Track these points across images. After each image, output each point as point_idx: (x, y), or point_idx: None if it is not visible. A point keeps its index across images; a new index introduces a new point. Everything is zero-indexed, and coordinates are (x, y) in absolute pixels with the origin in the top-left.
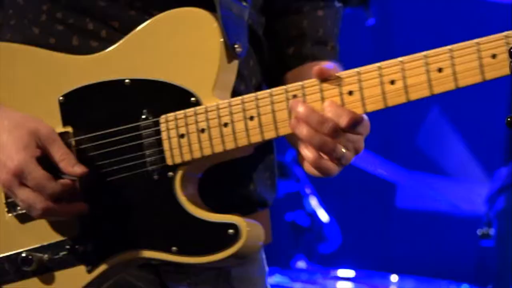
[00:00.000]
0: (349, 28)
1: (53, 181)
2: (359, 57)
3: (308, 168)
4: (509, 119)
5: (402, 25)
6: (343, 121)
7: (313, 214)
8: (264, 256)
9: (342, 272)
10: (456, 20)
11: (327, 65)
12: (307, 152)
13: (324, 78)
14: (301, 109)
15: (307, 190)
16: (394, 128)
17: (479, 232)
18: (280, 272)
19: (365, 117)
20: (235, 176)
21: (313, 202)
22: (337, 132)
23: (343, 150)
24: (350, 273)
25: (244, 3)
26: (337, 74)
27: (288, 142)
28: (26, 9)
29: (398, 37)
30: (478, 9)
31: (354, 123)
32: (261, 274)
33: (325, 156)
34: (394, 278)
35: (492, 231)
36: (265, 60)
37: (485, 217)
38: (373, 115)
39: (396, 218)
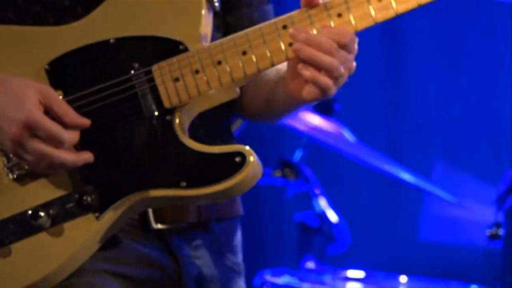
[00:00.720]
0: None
1: (64, 130)
2: (368, 56)
3: (307, 91)
4: None
5: (412, 22)
6: (344, 39)
7: (323, 215)
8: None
9: (351, 273)
10: (463, 17)
11: None
12: (307, 72)
13: (312, 5)
14: (303, 34)
15: (317, 191)
16: (403, 128)
17: (487, 232)
18: (289, 272)
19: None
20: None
21: (323, 202)
22: (337, 50)
23: (341, 67)
24: (360, 273)
25: None
26: (322, 2)
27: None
28: None
29: (407, 35)
30: (487, 8)
31: (351, 42)
32: (239, 242)
33: (323, 74)
34: (403, 279)
35: (501, 231)
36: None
37: (494, 217)
38: (384, 117)
39: (405, 219)
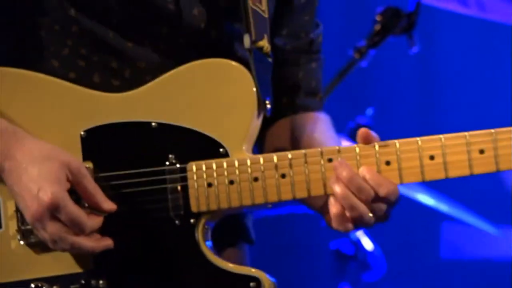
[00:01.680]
0: (392, 57)
1: (86, 217)
2: (403, 85)
3: (328, 219)
4: None
5: (447, 52)
6: (382, 191)
7: (358, 243)
8: None
9: None
10: (500, 47)
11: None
12: (333, 208)
13: (367, 142)
14: (345, 171)
15: None
16: None
17: None
18: None
19: (397, 188)
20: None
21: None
22: (374, 201)
23: (370, 215)
24: None
25: (269, 59)
26: (376, 142)
27: (303, 203)
28: (48, 41)
29: (443, 65)
30: None
31: (392, 194)
32: None
33: (349, 216)
34: None
35: None
36: None
37: None
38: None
39: (443, 248)
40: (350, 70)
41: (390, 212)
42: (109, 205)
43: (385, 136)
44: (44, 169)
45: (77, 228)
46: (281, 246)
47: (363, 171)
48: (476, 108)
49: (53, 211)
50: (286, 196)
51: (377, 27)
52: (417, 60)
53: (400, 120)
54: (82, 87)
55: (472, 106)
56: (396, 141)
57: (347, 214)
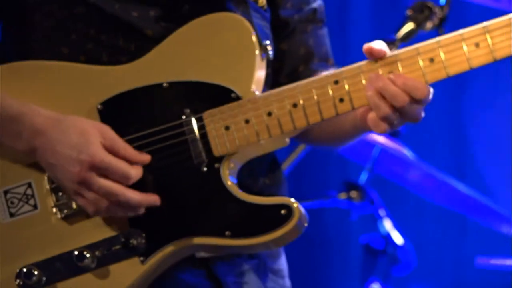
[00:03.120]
0: None
1: (130, 166)
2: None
3: (376, 125)
4: None
5: None
6: (420, 94)
7: (388, 237)
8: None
9: None
10: None
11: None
12: (370, 115)
13: (376, 56)
14: (380, 81)
15: (382, 213)
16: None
17: None
18: None
19: (429, 88)
20: (260, 169)
21: (388, 224)
22: (409, 105)
23: (402, 118)
24: None
25: (266, 13)
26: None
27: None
28: (55, 29)
29: None
30: None
31: (427, 95)
32: (285, 266)
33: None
34: None
35: None
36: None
37: None
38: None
39: (471, 242)
40: None
41: (422, 111)
42: (143, 157)
43: (415, 129)
44: (77, 136)
45: (123, 178)
46: (311, 241)
47: (394, 77)
48: (506, 102)
49: (98, 168)
50: (300, 123)
51: (408, 21)
52: None
53: (428, 113)
54: (91, 65)
55: (502, 101)
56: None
57: (384, 117)
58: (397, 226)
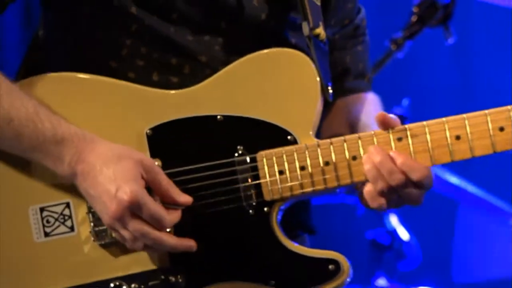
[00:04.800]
0: (428, 48)
1: (166, 212)
2: (439, 76)
3: (366, 203)
4: None
5: (483, 43)
6: (415, 176)
7: (394, 233)
8: None
9: None
10: None
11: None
12: (366, 188)
13: (388, 127)
14: (378, 156)
15: None
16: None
17: None
18: None
19: (431, 173)
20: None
21: (394, 220)
22: (406, 184)
23: (400, 198)
24: None
25: (326, 46)
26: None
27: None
28: (106, 42)
29: (479, 56)
30: None
31: (425, 179)
32: None
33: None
34: None
35: None
36: None
37: None
38: None
39: (476, 237)
40: (387, 61)
41: (423, 196)
42: (185, 198)
43: (421, 117)
44: (119, 169)
45: (157, 223)
46: (318, 236)
47: (396, 154)
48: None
49: (134, 209)
50: (359, 178)
51: (414, 18)
52: (453, 51)
53: (436, 111)
54: (142, 86)
55: (508, 96)
56: (424, 123)
57: (381, 193)
58: (403, 222)
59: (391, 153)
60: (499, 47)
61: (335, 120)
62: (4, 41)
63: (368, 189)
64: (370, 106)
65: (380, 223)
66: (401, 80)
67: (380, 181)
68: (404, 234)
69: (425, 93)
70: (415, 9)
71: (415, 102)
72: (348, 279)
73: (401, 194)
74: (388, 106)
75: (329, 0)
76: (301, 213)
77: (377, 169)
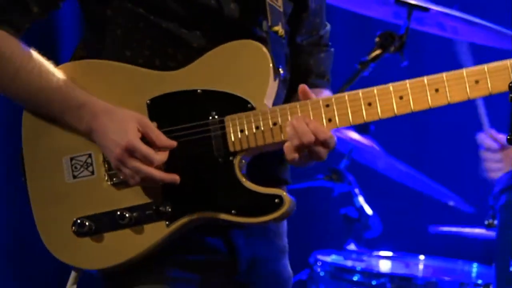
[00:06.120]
0: (387, 69)
1: (154, 153)
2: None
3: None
4: (509, 137)
5: (429, 65)
6: (321, 137)
7: (361, 209)
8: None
9: (382, 253)
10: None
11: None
12: (286, 144)
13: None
14: (296, 121)
15: (356, 191)
16: (426, 144)
17: (486, 222)
18: (336, 253)
19: (334, 136)
20: (268, 162)
21: (361, 199)
22: (313, 143)
23: (309, 155)
24: (389, 253)
25: (283, 40)
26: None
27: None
28: (122, 36)
29: (425, 75)
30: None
31: (329, 139)
32: (285, 228)
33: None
34: (421, 257)
35: (496, 222)
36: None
37: (490, 211)
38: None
39: (425, 211)
40: (356, 78)
41: (326, 154)
42: (170, 142)
43: (382, 128)
44: (121, 123)
45: (148, 161)
46: (302, 212)
47: (307, 120)
48: (458, 106)
49: (130, 152)
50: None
51: (376, 46)
52: (406, 71)
53: (394, 117)
54: (147, 69)
55: (454, 106)
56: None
57: (296, 148)
58: (368, 201)
59: (306, 119)
60: (440, 67)
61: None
62: (62, 41)
63: (287, 145)
64: (324, 94)
65: (350, 202)
66: None
67: (295, 139)
68: (369, 210)
69: None
70: (377, 39)
71: None
72: (289, 210)
73: (310, 150)
74: None
75: (301, 15)
76: (275, 169)
77: (295, 129)
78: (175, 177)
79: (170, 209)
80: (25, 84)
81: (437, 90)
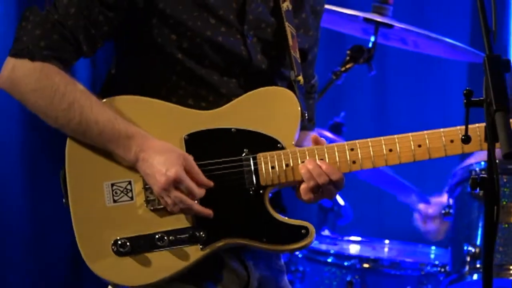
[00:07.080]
0: (357, 77)
1: (197, 188)
2: (365, 97)
3: (300, 196)
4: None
5: (394, 74)
6: (334, 177)
7: (334, 200)
8: None
9: (353, 238)
10: (425, 68)
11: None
12: (302, 185)
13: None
14: (310, 164)
15: None
16: None
17: (443, 211)
18: None
19: (343, 176)
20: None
21: None
22: (327, 183)
23: (324, 193)
24: (358, 238)
25: (302, 87)
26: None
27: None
28: (160, 77)
29: (391, 84)
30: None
31: (340, 180)
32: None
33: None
34: (386, 241)
35: (451, 211)
36: None
37: (447, 202)
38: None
39: (389, 202)
40: (330, 86)
41: (336, 193)
42: (209, 182)
43: (353, 129)
44: (168, 157)
45: (191, 194)
46: (285, 203)
47: (320, 163)
48: (419, 110)
49: (176, 183)
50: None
51: (348, 58)
52: (374, 80)
53: (363, 120)
54: (181, 107)
55: (415, 110)
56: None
57: (312, 189)
58: (340, 194)
59: (318, 162)
60: (405, 76)
61: None
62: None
63: (303, 186)
64: (309, 139)
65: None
66: (339, 99)
67: (311, 180)
68: (341, 201)
69: (355, 108)
70: (348, 52)
71: (348, 113)
72: (314, 240)
73: (323, 190)
74: (330, 116)
75: (303, 62)
76: (276, 199)
77: (310, 172)
78: (209, 212)
79: (204, 235)
80: (78, 116)
81: (452, 141)
